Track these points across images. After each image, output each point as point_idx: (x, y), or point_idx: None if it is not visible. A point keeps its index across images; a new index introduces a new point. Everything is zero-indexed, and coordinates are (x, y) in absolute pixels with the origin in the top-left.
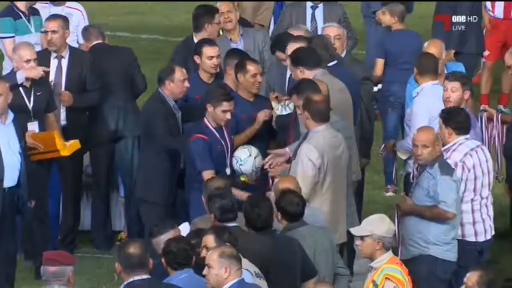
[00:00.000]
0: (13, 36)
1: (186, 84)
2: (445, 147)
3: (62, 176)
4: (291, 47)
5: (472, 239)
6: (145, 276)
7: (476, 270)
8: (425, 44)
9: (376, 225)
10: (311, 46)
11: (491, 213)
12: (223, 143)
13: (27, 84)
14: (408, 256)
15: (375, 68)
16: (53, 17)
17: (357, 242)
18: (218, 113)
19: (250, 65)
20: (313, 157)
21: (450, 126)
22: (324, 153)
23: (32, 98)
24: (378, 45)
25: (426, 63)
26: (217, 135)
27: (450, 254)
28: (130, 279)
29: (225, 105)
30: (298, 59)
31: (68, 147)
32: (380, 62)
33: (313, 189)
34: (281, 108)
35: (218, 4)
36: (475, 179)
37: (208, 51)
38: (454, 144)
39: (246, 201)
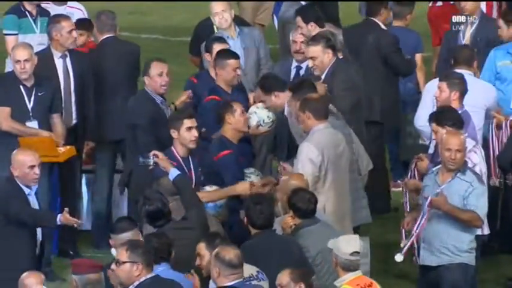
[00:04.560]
0: (16, 34)
1: (165, 78)
2: None
3: (60, 173)
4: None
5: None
6: (152, 274)
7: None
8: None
9: (338, 243)
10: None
11: None
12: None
13: (29, 83)
14: (435, 263)
15: None
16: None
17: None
18: (184, 135)
19: (237, 105)
20: (313, 156)
21: (447, 125)
22: (323, 151)
23: (32, 98)
24: None
25: (461, 54)
26: (183, 165)
27: (474, 259)
28: (143, 279)
29: (187, 122)
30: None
31: (62, 154)
32: None
33: (315, 187)
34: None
35: (212, 4)
36: (482, 174)
37: (218, 48)
38: None
39: (248, 198)
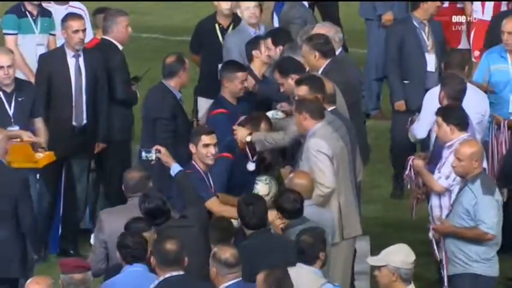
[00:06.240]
0: (16, 34)
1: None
2: (449, 143)
3: (67, 173)
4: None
5: None
6: (181, 272)
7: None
8: (504, 22)
9: (392, 256)
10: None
11: None
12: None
13: (9, 89)
14: (451, 272)
15: None
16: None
17: (375, 272)
18: (201, 151)
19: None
20: (324, 148)
21: (452, 123)
22: (330, 143)
23: (12, 104)
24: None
25: (452, 59)
26: (206, 179)
27: (492, 269)
28: (167, 275)
29: (205, 139)
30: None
31: (41, 159)
32: None
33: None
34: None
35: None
36: None
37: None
38: (458, 140)
39: (240, 200)
